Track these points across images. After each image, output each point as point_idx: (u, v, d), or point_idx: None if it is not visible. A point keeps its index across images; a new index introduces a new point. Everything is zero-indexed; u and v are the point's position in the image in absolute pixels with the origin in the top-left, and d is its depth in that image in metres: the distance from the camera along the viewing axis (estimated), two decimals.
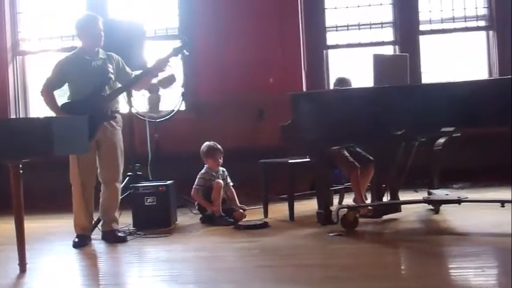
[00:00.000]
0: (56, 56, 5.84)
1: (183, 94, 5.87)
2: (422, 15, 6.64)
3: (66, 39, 6.69)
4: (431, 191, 4.73)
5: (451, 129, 4.44)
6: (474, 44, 6.75)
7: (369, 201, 4.68)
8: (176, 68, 5.64)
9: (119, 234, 4.33)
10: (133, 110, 5.50)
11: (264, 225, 4.52)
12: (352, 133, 4.27)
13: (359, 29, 6.70)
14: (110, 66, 4.33)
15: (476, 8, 6.60)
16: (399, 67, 4.48)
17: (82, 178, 4.20)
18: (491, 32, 6.61)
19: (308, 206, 5.04)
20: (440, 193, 4.62)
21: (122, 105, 5.06)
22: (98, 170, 4.32)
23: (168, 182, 4.86)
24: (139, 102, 5.54)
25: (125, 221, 4.63)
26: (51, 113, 4.24)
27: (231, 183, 5.03)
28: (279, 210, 5.01)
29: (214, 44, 6.36)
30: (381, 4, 6.68)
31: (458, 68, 6.67)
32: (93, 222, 4.39)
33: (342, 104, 4.26)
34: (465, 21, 6.62)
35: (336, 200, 5.27)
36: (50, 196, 5.47)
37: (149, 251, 4.01)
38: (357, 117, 4.12)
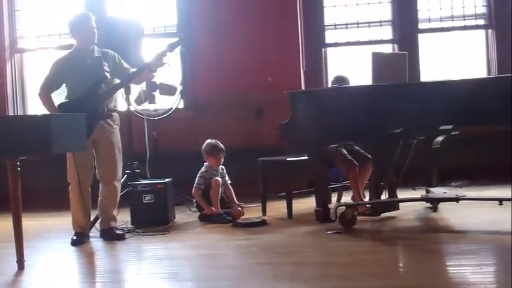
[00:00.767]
0: (54, 54, 5.85)
1: (181, 92, 5.87)
2: (421, 14, 6.65)
3: (64, 37, 6.66)
4: (429, 189, 4.73)
5: (450, 127, 4.45)
6: (473, 43, 6.75)
7: (367, 199, 4.68)
8: (174, 65, 5.66)
9: (117, 231, 4.33)
10: (132, 108, 5.49)
11: (262, 223, 4.52)
12: (351, 131, 4.27)
13: (358, 27, 6.70)
14: (106, 64, 4.31)
15: (475, 6, 6.60)
16: (398, 65, 4.47)
17: (79, 176, 4.19)
18: (490, 31, 6.61)
19: (306, 204, 5.04)
20: (438, 191, 4.62)
21: (120, 103, 5.05)
22: (96, 168, 4.32)
23: (166, 179, 4.86)
24: (133, 91, 5.51)
25: (123, 218, 4.63)
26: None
27: (229, 182, 5.03)
28: (277, 208, 5.01)
29: (212, 42, 6.36)
30: (380, 2, 6.67)
31: (457, 66, 6.67)
32: (91, 220, 4.39)
33: (340, 102, 4.26)
34: (464, 19, 6.62)
35: (334, 197, 5.27)
36: (48, 194, 5.45)
37: (147, 249, 4.01)
38: (355, 115, 4.13)
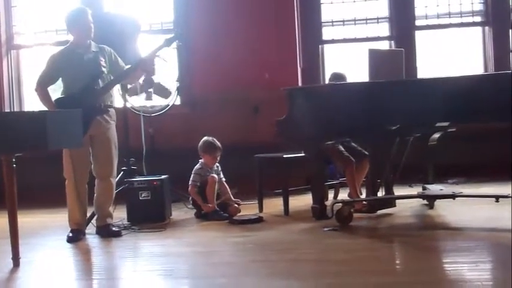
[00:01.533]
0: (51, 50, 5.82)
1: (178, 89, 5.86)
2: (418, 11, 6.64)
3: (61, 33, 6.65)
4: (425, 186, 4.73)
5: (446, 124, 4.45)
6: (470, 40, 6.75)
7: (363, 196, 4.68)
8: (170, 61, 5.64)
9: (113, 228, 4.32)
10: (128, 105, 5.48)
11: (258, 220, 4.52)
12: (347, 128, 4.27)
13: (355, 24, 6.69)
14: (102, 59, 4.30)
15: (472, 3, 6.60)
16: (395, 62, 4.47)
17: (75, 173, 4.18)
18: (487, 28, 6.61)
19: (303, 201, 5.04)
20: (434, 188, 4.62)
21: (117, 99, 5.05)
22: (92, 165, 4.31)
23: (163, 176, 4.85)
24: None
25: (119, 215, 4.63)
26: (46, 109, 4.21)
27: (224, 179, 5.03)
28: (273, 205, 5.01)
29: (209, 39, 6.34)
30: None
31: (454, 63, 6.67)
32: (87, 216, 4.38)
33: (337, 99, 4.25)
34: (461, 16, 6.62)
35: (330, 194, 5.26)
36: (44, 190, 5.44)
37: (143, 246, 4.00)
38: (352, 112, 4.12)
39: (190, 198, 5.01)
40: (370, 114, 4.09)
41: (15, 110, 6.69)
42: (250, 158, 4.97)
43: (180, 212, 5.11)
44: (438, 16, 6.64)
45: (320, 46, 6.71)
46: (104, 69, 4.27)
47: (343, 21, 6.70)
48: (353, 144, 4.88)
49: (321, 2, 6.68)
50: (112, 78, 4.34)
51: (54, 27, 6.76)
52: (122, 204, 4.72)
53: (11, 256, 3.44)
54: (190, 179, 4.91)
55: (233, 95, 6.20)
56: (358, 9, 6.67)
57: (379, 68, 4.27)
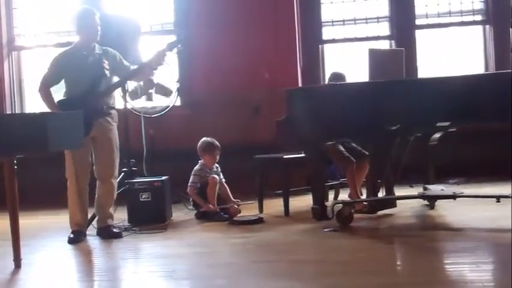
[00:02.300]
0: (52, 51, 5.83)
1: (178, 90, 5.85)
2: (419, 10, 6.64)
3: (62, 35, 6.67)
4: (426, 186, 4.72)
5: (447, 124, 4.44)
6: (470, 39, 6.74)
7: (364, 196, 4.68)
8: (172, 63, 5.64)
9: (114, 230, 4.32)
10: (129, 106, 5.48)
11: (259, 221, 4.52)
12: (348, 128, 4.26)
13: (355, 23, 6.69)
14: (106, 61, 4.31)
15: (472, 2, 6.60)
16: (395, 62, 4.46)
17: (77, 174, 4.19)
18: (487, 27, 6.61)
19: (303, 202, 5.04)
20: (435, 188, 4.62)
21: (117, 100, 5.04)
22: (94, 166, 4.31)
23: (163, 177, 4.85)
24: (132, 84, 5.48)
25: (120, 216, 4.63)
26: (48, 110, 4.21)
27: (224, 180, 5.03)
28: (274, 205, 5.01)
29: (209, 40, 6.34)
30: None
31: (455, 62, 6.66)
32: (88, 218, 4.38)
33: (337, 99, 4.25)
34: (461, 15, 6.62)
35: (331, 195, 5.27)
36: (45, 192, 5.45)
37: (144, 247, 4.01)
38: (352, 112, 4.12)
39: (190, 199, 5.01)
40: (370, 114, 4.08)
41: (16, 111, 6.69)
42: (250, 159, 4.97)
43: (181, 213, 5.11)
44: (438, 15, 6.64)
45: (320, 46, 6.71)
46: (107, 71, 4.28)
47: (343, 20, 6.69)
48: (353, 144, 4.87)
49: (321, 1, 6.69)
50: (116, 80, 4.35)
51: (56, 29, 6.76)
52: (123, 206, 4.73)
53: (12, 257, 3.45)
54: (190, 180, 4.92)
55: (233, 96, 6.20)
56: (358, 9, 6.67)
57: (379, 67, 4.26)
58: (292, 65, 6.34)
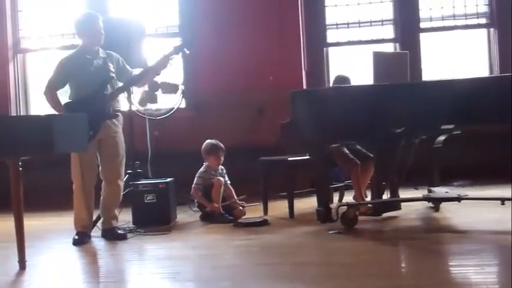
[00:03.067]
0: (57, 54, 5.86)
1: (183, 92, 5.87)
2: (423, 13, 6.64)
3: (67, 37, 6.69)
4: (431, 188, 4.72)
5: (451, 126, 4.44)
6: (475, 42, 6.74)
7: (368, 198, 4.68)
8: (177, 66, 5.66)
9: (119, 231, 4.34)
10: (133, 108, 5.50)
11: (263, 223, 4.52)
12: (352, 131, 4.26)
13: (359, 26, 6.69)
14: (111, 65, 4.34)
15: (477, 5, 6.59)
16: (399, 65, 4.47)
17: (83, 176, 4.21)
18: (491, 30, 6.60)
19: (308, 204, 5.04)
20: (440, 191, 4.61)
21: (122, 103, 5.06)
22: (100, 168, 4.33)
23: (168, 179, 4.86)
24: (136, 92, 5.52)
25: (124, 218, 4.64)
26: (54, 112, 4.23)
27: (229, 182, 5.03)
28: (278, 207, 5.01)
29: (214, 42, 6.36)
30: (382, 1, 6.68)
31: (459, 65, 6.65)
32: (93, 219, 4.39)
33: (341, 102, 4.25)
34: (466, 18, 6.61)
35: (335, 197, 5.27)
36: (50, 194, 5.47)
37: (149, 249, 4.01)
38: (357, 114, 4.11)
39: (195, 200, 5.02)
40: (374, 116, 4.08)
41: (21, 113, 6.72)
42: (255, 161, 4.98)
43: (185, 215, 5.12)
44: (443, 18, 6.64)
45: (325, 49, 6.72)
46: (112, 74, 4.31)
47: (348, 23, 6.70)
48: (358, 146, 4.88)
49: (326, 4, 6.70)
50: (121, 84, 4.37)
51: (61, 32, 6.79)
52: (127, 207, 4.74)
53: (17, 259, 3.45)
54: (194, 181, 4.93)
55: (238, 98, 6.21)
56: (363, 12, 6.67)
57: (383, 70, 4.26)
58: (296, 68, 6.35)
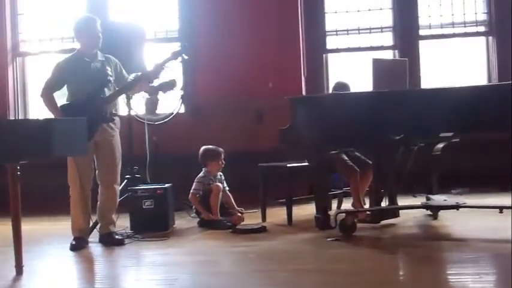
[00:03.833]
0: (56, 58, 5.85)
1: (182, 97, 5.87)
2: (422, 20, 6.66)
3: (67, 41, 6.69)
4: (429, 196, 4.72)
5: (450, 134, 4.44)
6: (473, 49, 6.76)
7: (367, 206, 4.67)
8: (176, 71, 5.66)
9: (116, 237, 4.32)
10: (132, 113, 5.49)
11: (261, 230, 4.51)
12: (351, 137, 4.26)
13: (359, 33, 6.71)
14: (109, 68, 4.34)
15: (475, 13, 6.61)
16: (398, 72, 4.47)
17: (80, 180, 4.19)
18: (490, 38, 6.62)
19: (306, 210, 5.03)
20: (438, 198, 4.61)
21: (121, 107, 5.06)
22: (96, 172, 4.32)
23: (166, 185, 4.85)
24: (138, 104, 5.54)
25: (122, 223, 4.62)
26: (51, 115, 4.23)
27: (227, 188, 5.03)
28: (277, 214, 5.00)
29: (214, 47, 6.36)
30: (381, 9, 6.70)
31: (458, 73, 6.67)
32: (91, 225, 4.38)
33: (340, 109, 4.25)
34: (465, 26, 6.64)
35: (334, 204, 5.26)
36: (48, 198, 5.45)
37: (146, 255, 4.00)
38: (356, 121, 4.12)
39: (193, 206, 5.01)
40: (373, 123, 4.08)
41: (20, 117, 6.71)
42: (253, 167, 4.97)
43: (183, 221, 5.11)
44: (442, 26, 6.66)
45: (324, 55, 6.73)
46: (110, 78, 4.30)
47: (347, 30, 6.72)
48: (357, 153, 4.88)
49: (325, 11, 6.71)
50: (117, 88, 4.37)
51: (60, 35, 6.80)
52: (125, 213, 4.72)
53: (14, 264, 3.44)
54: (192, 187, 4.92)
55: (237, 104, 6.21)
56: (362, 19, 6.69)
57: (383, 77, 4.27)
58: (296, 74, 6.36)
